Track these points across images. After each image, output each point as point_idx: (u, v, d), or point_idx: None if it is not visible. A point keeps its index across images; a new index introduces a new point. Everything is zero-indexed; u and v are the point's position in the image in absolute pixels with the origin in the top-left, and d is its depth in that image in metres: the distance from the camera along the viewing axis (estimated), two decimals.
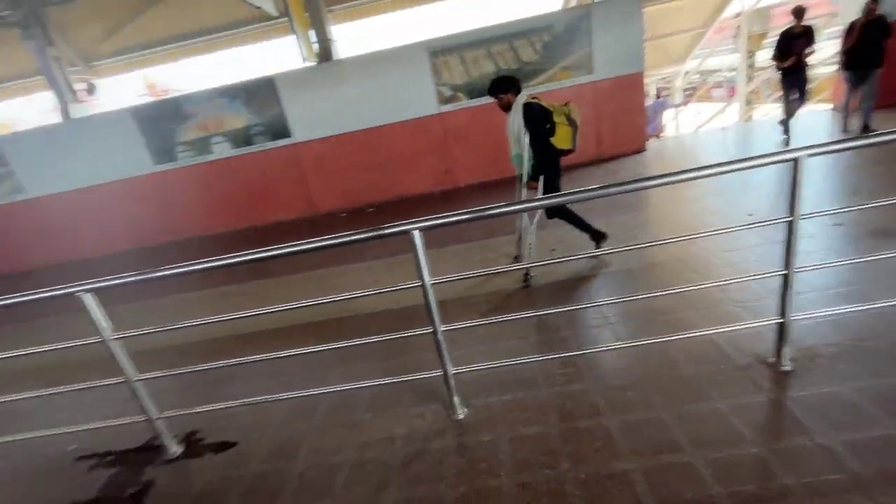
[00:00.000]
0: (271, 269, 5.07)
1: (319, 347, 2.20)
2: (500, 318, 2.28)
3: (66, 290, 1.96)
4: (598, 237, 3.58)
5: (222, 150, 7.39)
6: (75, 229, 7.94)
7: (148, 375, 2.18)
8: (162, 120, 7.27)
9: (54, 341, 2.17)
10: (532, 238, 3.44)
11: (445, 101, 7.02)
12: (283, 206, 7.68)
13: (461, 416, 2.17)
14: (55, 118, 8.52)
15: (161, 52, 9.80)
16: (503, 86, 3.32)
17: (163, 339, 3.42)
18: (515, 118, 3.28)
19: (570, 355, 2.43)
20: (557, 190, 3.34)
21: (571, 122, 3.26)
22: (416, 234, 1.87)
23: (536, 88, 6.79)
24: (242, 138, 7.30)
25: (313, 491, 1.92)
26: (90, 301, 2.00)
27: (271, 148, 7.33)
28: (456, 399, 2.17)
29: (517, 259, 3.80)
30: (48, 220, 7.91)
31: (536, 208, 3.41)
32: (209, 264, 1.89)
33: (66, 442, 2.55)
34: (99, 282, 1.97)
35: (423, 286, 1.95)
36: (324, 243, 1.88)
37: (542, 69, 6.88)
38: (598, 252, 2.77)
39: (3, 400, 2.26)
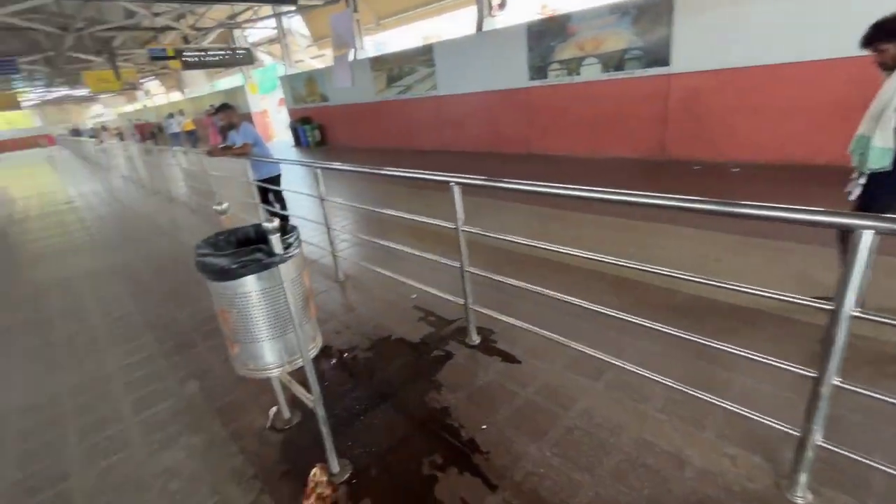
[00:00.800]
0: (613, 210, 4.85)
1: (645, 322, 1.87)
2: None
3: (443, 178, 2.29)
4: None
5: (590, 73, 7.26)
6: (462, 125, 9.86)
7: (475, 269, 2.44)
8: (546, 37, 7.64)
9: (429, 211, 2.67)
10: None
11: None
12: (628, 143, 7.14)
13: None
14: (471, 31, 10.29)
15: None
16: None
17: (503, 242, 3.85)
18: None
19: None
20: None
21: None
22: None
23: None
24: (615, 62, 6.91)
25: (575, 458, 1.78)
26: (457, 192, 2.29)
27: (640, 76, 6.67)
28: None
29: None
30: (447, 115, 10.11)
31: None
32: (597, 195, 1.69)
33: (409, 291, 3.29)
34: (465, 177, 2.20)
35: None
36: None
37: None
38: None
39: (386, 244, 3.04)
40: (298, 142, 14.89)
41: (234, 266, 1.46)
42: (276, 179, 4.86)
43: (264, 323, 1.59)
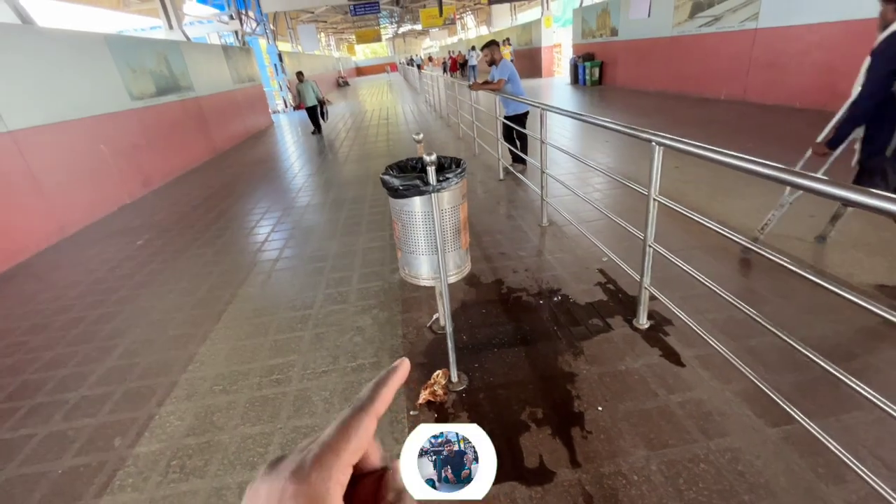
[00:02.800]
0: None
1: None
2: None
3: (643, 135, 1.98)
4: None
5: None
6: (782, 68, 7.66)
7: (660, 248, 2.11)
8: None
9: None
10: None
11: None
12: None
13: None
14: None
15: None
16: None
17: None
18: None
19: None
20: None
21: None
22: None
23: None
24: None
25: (682, 489, 1.50)
26: (657, 153, 1.97)
27: None
28: None
29: None
30: (761, 55, 7.96)
31: None
32: None
33: (600, 254, 3.09)
34: (669, 137, 1.86)
35: None
36: None
37: None
38: None
39: (587, 198, 2.89)
40: (576, 79, 14.54)
41: (400, 187, 1.76)
42: (521, 118, 5.06)
43: (421, 239, 1.89)
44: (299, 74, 10.36)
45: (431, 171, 1.68)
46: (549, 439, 1.76)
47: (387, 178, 1.82)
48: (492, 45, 5.03)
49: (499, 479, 1.62)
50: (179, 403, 2.22)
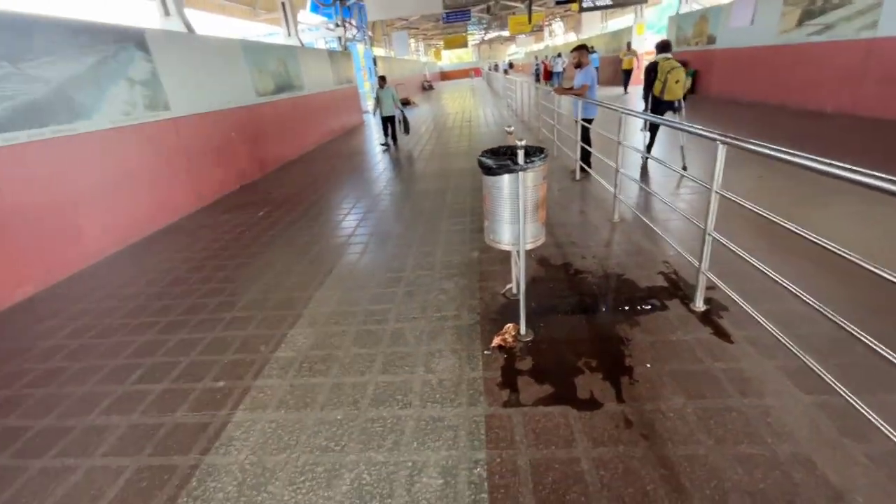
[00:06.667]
0: None
1: None
2: None
3: (707, 133, 2.26)
4: None
5: None
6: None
7: (721, 238, 2.36)
8: None
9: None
10: None
11: None
12: None
13: None
14: None
15: None
16: None
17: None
18: None
19: None
20: None
21: None
22: None
23: None
24: None
25: (711, 427, 1.79)
26: (721, 151, 2.23)
27: None
28: None
29: None
30: (879, 66, 7.40)
31: None
32: None
33: (667, 249, 3.32)
34: (732, 138, 2.12)
35: None
36: None
37: None
38: None
39: (651, 191, 3.14)
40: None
41: (493, 166, 2.21)
42: (591, 121, 5.34)
43: (506, 211, 2.32)
44: (381, 79, 9.35)
45: (521, 153, 2.12)
46: (599, 382, 2.11)
47: (483, 159, 2.29)
48: (581, 49, 5.33)
49: (553, 402, 2.01)
50: (304, 328, 2.85)
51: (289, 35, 11.04)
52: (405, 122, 9.56)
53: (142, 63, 5.34)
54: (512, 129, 2.74)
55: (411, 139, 10.36)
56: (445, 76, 53.29)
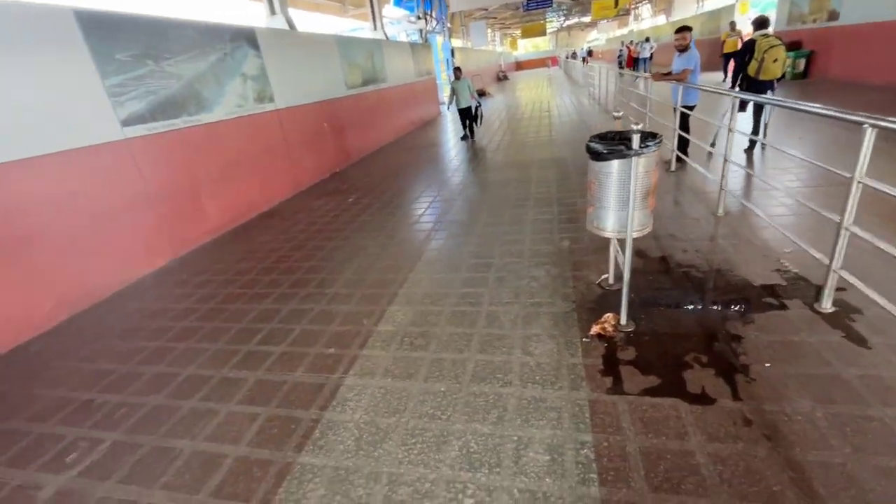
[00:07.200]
0: None
1: None
2: None
3: (853, 117, 2.03)
4: None
5: None
6: None
7: (863, 232, 2.13)
8: None
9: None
10: None
11: None
12: None
13: None
14: None
15: None
16: None
17: None
18: None
19: None
20: None
21: None
22: None
23: None
24: None
25: (848, 436, 1.64)
26: (868, 135, 2.01)
27: None
28: None
29: None
30: None
31: None
32: None
33: (783, 245, 3.05)
34: (886, 120, 1.90)
35: None
36: None
37: None
38: None
39: (772, 185, 2.88)
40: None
41: (604, 151, 2.17)
42: (692, 108, 4.97)
43: (613, 197, 2.28)
44: (457, 70, 9.25)
45: (636, 138, 2.06)
46: (711, 377, 2.02)
47: (592, 144, 2.25)
48: (686, 30, 4.98)
49: (662, 394, 1.95)
50: (401, 306, 3.01)
51: (374, 29, 11.46)
52: (479, 113, 9.21)
53: (253, 59, 5.86)
54: (621, 114, 2.67)
55: (489, 130, 10.35)
56: (520, 66, 52.28)
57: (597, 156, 2.23)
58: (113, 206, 3.90)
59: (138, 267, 4.13)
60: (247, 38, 5.77)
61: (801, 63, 11.88)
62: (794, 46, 12.12)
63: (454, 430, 1.92)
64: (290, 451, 1.93)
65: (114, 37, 4.00)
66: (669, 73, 5.13)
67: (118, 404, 2.40)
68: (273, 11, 7.16)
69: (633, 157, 2.10)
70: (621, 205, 2.26)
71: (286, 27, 7.11)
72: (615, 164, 2.19)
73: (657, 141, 2.15)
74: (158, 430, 2.17)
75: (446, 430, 1.92)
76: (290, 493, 1.74)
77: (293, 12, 7.66)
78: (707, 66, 17.35)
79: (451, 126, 12.10)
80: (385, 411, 2.09)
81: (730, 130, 3.56)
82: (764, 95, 4.79)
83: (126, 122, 4.07)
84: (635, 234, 2.30)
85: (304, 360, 2.57)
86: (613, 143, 2.17)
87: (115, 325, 3.28)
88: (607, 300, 2.74)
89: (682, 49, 5.02)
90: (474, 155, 7.90)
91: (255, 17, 7.44)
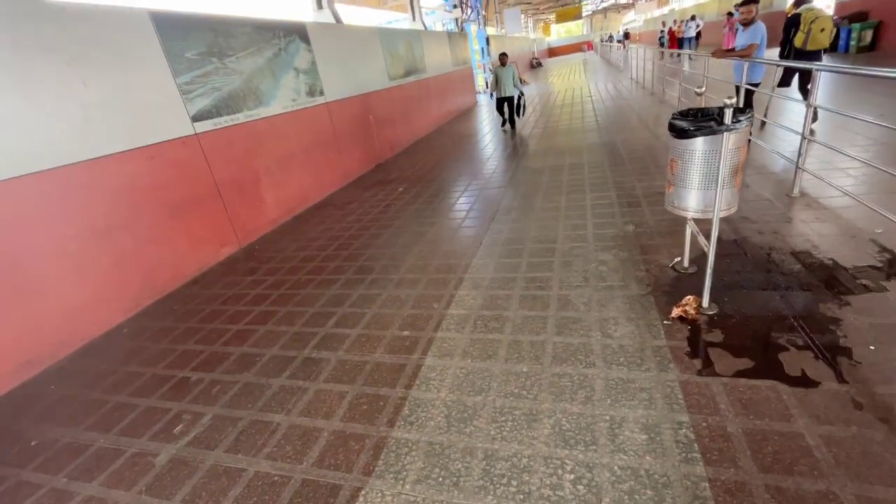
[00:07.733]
0: None
1: None
2: None
3: None
4: None
5: None
6: None
7: None
8: None
9: None
10: None
11: None
12: None
13: None
14: None
15: None
16: None
17: None
18: None
19: None
20: None
21: None
22: None
23: None
24: None
25: None
26: None
27: None
28: None
29: None
30: None
31: None
32: None
33: (872, 225, 2.87)
34: None
35: None
36: None
37: None
38: None
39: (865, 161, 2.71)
40: (833, 47, 11.91)
41: (690, 128, 2.11)
42: (757, 85, 4.73)
43: (696, 175, 2.21)
44: (502, 56, 8.72)
45: (728, 112, 1.99)
46: (811, 360, 1.94)
47: (675, 121, 2.19)
48: (752, 2, 4.71)
49: (758, 376, 1.90)
50: (470, 290, 3.05)
51: (413, 20, 11.48)
52: (522, 103, 8.60)
53: (304, 54, 6.00)
54: (703, 90, 2.57)
55: (531, 117, 10.20)
56: (553, 52, 51.04)
57: (682, 133, 2.17)
58: (185, 198, 4.11)
59: (207, 256, 4.36)
60: (298, 32, 5.90)
61: (868, 34, 11.04)
62: (858, 17, 11.29)
63: (543, 409, 1.94)
64: (383, 427, 2.00)
65: (183, 36, 4.19)
66: (732, 50, 4.89)
67: (212, 381, 2.56)
68: (320, 6, 7.29)
69: (724, 133, 2.02)
70: (706, 183, 2.20)
71: (332, 21, 7.23)
72: (699, 142, 2.13)
73: (748, 116, 2.07)
74: (255, 404, 2.30)
75: (535, 409, 1.94)
76: (389, 465, 1.81)
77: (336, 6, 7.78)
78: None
79: (487, 115, 12.00)
80: (470, 390, 2.13)
81: (808, 106, 3.36)
82: (824, 63, 4.52)
83: (195, 118, 4.28)
84: (722, 214, 2.23)
85: (381, 342, 2.64)
86: (700, 120, 2.10)
87: (195, 309, 3.48)
88: (682, 283, 2.67)
89: (748, 23, 4.77)
90: (520, 142, 7.82)
91: (302, 11, 7.58)
